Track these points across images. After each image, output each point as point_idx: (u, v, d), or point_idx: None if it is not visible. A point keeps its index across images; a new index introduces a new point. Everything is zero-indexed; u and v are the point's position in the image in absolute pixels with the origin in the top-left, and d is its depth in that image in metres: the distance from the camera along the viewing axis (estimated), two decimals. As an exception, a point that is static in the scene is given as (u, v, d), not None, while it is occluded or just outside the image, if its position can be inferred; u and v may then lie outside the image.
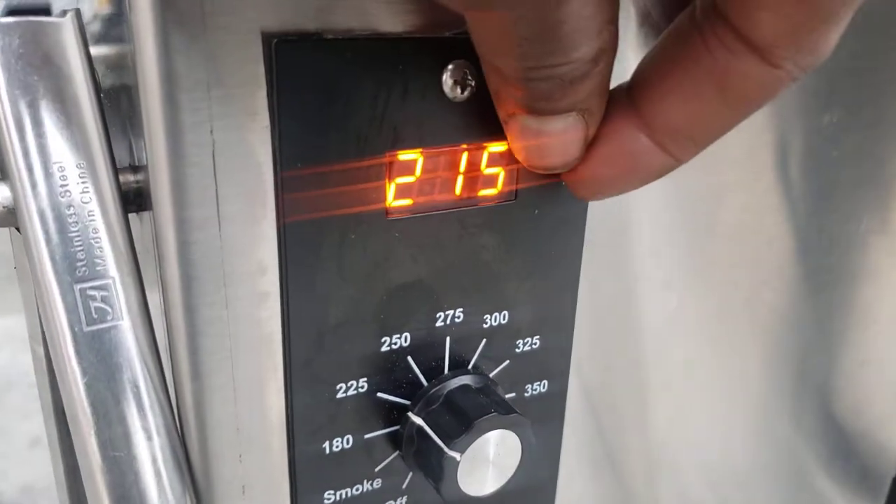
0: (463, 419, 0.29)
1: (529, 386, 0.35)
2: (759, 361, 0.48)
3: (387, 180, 0.27)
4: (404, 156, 0.27)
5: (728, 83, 0.23)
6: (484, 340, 0.32)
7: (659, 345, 0.42)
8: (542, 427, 0.36)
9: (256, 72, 0.24)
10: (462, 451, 0.29)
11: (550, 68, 0.22)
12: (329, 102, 0.25)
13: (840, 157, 0.43)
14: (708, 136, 0.26)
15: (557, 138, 0.25)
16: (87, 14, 0.30)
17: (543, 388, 0.35)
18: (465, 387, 0.31)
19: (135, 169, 0.28)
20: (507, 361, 0.33)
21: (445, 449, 0.29)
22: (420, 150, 0.27)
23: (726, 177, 0.39)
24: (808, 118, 0.41)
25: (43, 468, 0.37)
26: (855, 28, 0.40)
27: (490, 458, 0.30)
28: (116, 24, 0.27)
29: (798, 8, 0.21)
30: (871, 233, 0.47)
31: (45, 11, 0.25)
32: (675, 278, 0.40)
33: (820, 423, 0.55)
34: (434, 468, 0.29)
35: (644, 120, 0.26)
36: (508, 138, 0.27)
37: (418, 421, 0.30)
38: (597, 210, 0.36)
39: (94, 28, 0.31)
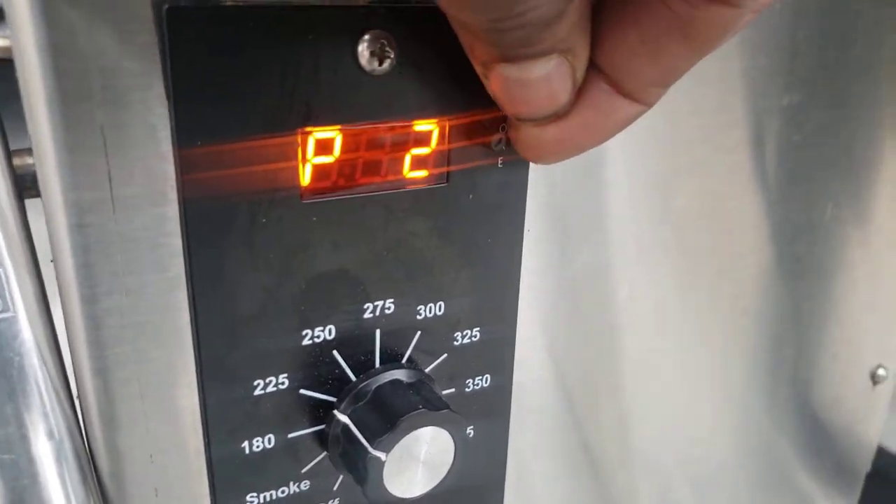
0: (389, 416, 0.27)
1: (470, 380, 0.33)
2: (731, 354, 0.46)
3: (300, 160, 0.25)
4: (320, 134, 0.25)
5: (692, 31, 0.22)
6: (419, 333, 0.31)
7: (631, 339, 0.41)
8: (485, 423, 0.34)
9: (149, 41, 0.22)
10: (387, 451, 0.27)
11: (521, 16, 0.21)
12: (230, 75, 0.23)
13: (802, 141, 0.41)
14: (676, 78, 0.25)
15: (543, 84, 0.23)
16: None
17: (486, 382, 0.33)
18: (395, 382, 0.29)
19: (31, 151, 0.26)
20: (445, 355, 0.32)
21: (370, 448, 0.27)
22: (338, 127, 0.26)
23: (683, 160, 0.38)
24: (768, 100, 0.39)
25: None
26: (816, 7, 0.38)
27: (420, 458, 0.28)
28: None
29: None
30: (837, 221, 0.45)
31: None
32: (642, 270, 0.39)
33: (793, 417, 0.53)
34: (359, 469, 0.27)
35: (612, 79, 0.25)
36: (491, 91, 0.25)
37: (344, 419, 0.28)
38: (572, 202, 0.34)
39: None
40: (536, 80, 0.23)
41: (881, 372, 0.54)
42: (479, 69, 0.24)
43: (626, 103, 0.25)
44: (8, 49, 0.27)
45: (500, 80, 0.24)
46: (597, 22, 0.24)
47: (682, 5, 0.22)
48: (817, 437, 0.56)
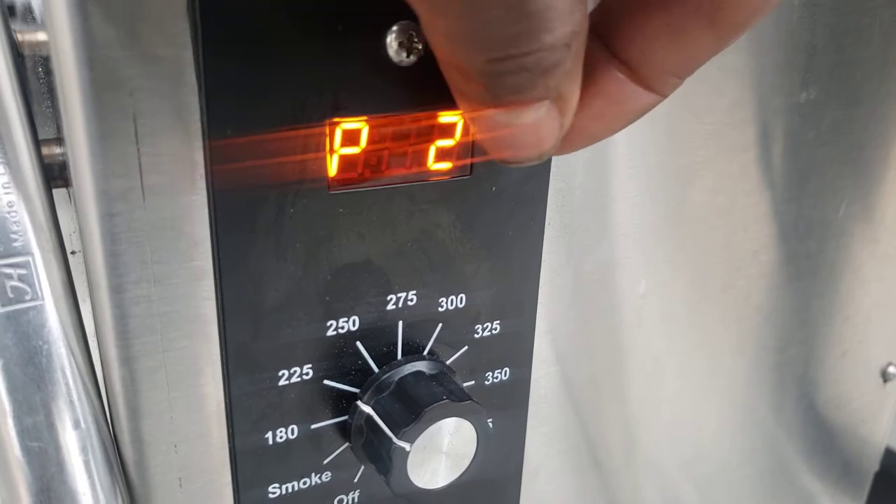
0: (413, 407, 0.27)
1: (490, 373, 0.33)
2: (738, 352, 0.46)
3: (328, 151, 0.25)
4: (347, 124, 0.25)
5: (719, 17, 0.22)
6: (440, 325, 0.31)
7: (639, 337, 0.41)
8: (504, 416, 0.34)
9: (181, 28, 0.22)
10: (412, 441, 0.27)
11: (519, 58, 0.20)
12: (261, 65, 0.23)
13: (817, 138, 0.41)
14: (695, 68, 0.24)
15: (531, 130, 0.23)
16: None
17: (505, 375, 0.33)
18: (418, 374, 0.29)
19: (60, 141, 0.26)
20: (466, 347, 0.32)
21: (394, 439, 0.27)
22: (364, 118, 0.26)
23: (697, 157, 0.38)
24: (785, 96, 0.39)
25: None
26: (832, 4, 0.38)
27: (443, 449, 0.28)
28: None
29: None
30: (850, 219, 0.46)
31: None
32: (654, 267, 0.39)
33: (801, 416, 0.53)
34: (383, 459, 0.28)
35: (629, 67, 0.24)
36: (475, 132, 0.25)
37: (367, 410, 0.28)
38: (577, 198, 0.34)
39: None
40: (525, 126, 0.23)
41: (891, 370, 0.54)
42: (465, 112, 0.24)
43: (641, 92, 0.25)
44: (36, 44, 0.27)
45: (487, 125, 0.23)
46: (618, 7, 0.24)
47: None
48: (825, 437, 0.56)
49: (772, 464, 0.54)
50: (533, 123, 0.23)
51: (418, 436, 0.27)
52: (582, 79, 0.23)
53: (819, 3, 0.37)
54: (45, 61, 0.29)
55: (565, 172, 0.34)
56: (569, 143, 0.26)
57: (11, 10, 0.29)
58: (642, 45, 0.24)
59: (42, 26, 0.28)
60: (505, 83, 0.21)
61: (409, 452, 0.27)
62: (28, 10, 0.30)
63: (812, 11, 0.37)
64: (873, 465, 0.60)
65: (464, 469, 0.29)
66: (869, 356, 0.53)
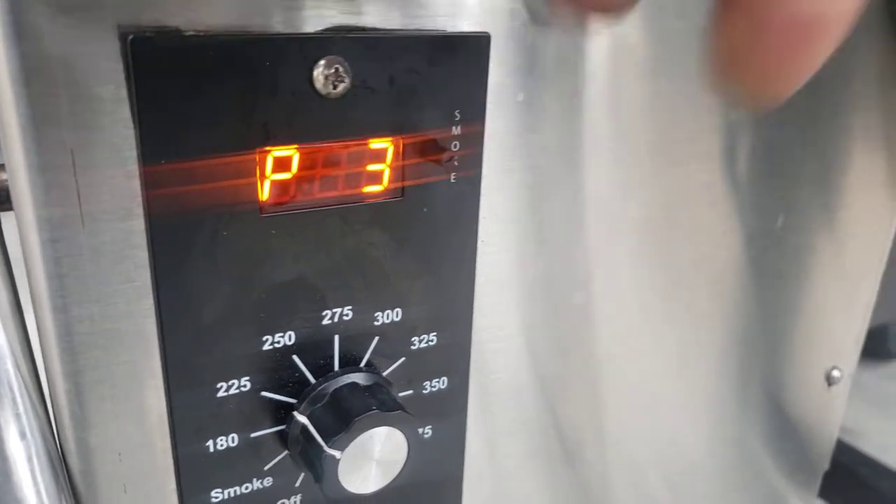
0: (344, 417, 0.29)
1: (428, 383, 0.35)
2: (699, 354, 0.48)
3: (258, 177, 0.27)
4: (278, 152, 0.27)
5: None
6: (377, 338, 0.32)
7: (606, 341, 0.42)
8: (443, 423, 0.36)
9: (115, 68, 0.24)
10: (342, 449, 0.29)
11: None
12: (192, 99, 0.25)
13: (753, 153, 0.43)
14: None
15: None
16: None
17: (443, 384, 0.35)
18: (352, 385, 0.31)
19: (3, 166, 0.28)
20: (403, 359, 0.33)
21: (325, 447, 0.29)
22: (295, 146, 0.27)
23: (635, 174, 0.39)
24: (721, 115, 0.41)
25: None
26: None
27: (374, 457, 0.30)
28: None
29: None
30: (788, 230, 0.47)
31: None
32: (615, 274, 0.41)
33: (760, 415, 0.55)
34: (315, 467, 0.29)
35: None
36: None
37: (302, 420, 0.30)
38: (549, 205, 0.36)
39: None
40: None
41: (835, 373, 0.56)
42: None
43: None
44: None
45: None
46: None
47: None
48: (780, 435, 0.58)
49: (741, 461, 0.56)
50: None
51: (348, 444, 0.29)
52: None
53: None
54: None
55: (530, 179, 0.35)
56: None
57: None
58: None
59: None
60: None
61: (339, 460, 0.29)
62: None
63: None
64: (825, 461, 0.62)
65: (395, 475, 0.31)
66: (811, 360, 0.55)
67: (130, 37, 0.23)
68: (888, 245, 0.54)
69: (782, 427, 0.58)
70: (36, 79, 0.23)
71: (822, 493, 0.64)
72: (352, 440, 0.29)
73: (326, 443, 0.29)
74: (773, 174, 0.45)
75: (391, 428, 0.30)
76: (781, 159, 0.45)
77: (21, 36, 0.22)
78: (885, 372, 1.76)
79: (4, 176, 0.28)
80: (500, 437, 0.41)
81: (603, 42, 0.35)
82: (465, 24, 0.30)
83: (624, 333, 0.44)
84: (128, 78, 0.24)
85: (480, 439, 0.39)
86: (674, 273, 0.44)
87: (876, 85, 0.47)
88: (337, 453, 0.29)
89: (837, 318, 0.55)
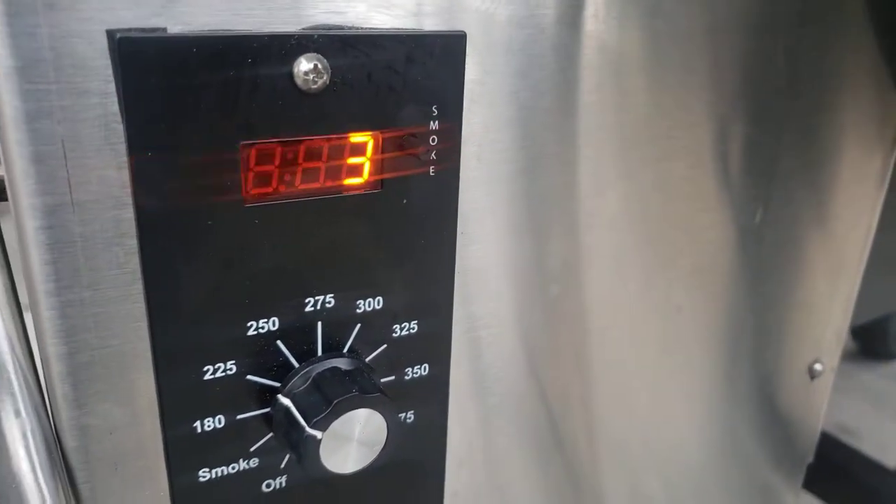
0: (325, 399, 0.30)
1: (409, 369, 0.36)
2: (690, 346, 0.49)
3: (242, 170, 0.28)
4: (260, 146, 0.28)
5: None
6: (359, 325, 0.34)
7: (597, 331, 0.44)
8: (424, 408, 0.37)
9: (104, 65, 0.25)
10: (323, 430, 0.30)
11: None
12: (178, 95, 0.26)
13: (730, 152, 0.44)
14: None
15: None
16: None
17: (424, 371, 0.36)
18: (334, 369, 0.32)
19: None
20: (385, 345, 0.35)
21: (307, 428, 0.30)
22: (277, 140, 0.29)
23: (617, 168, 0.41)
24: (703, 114, 0.42)
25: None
26: (737, 24, 0.41)
27: (354, 437, 0.31)
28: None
29: None
30: (766, 225, 0.49)
31: None
32: (605, 269, 0.42)
33: (746, 408, 0.57)
34: (298, 447, 0.31)
35: None
36: None
37: (286, 402, 0.31)
38: (542, 196, 0.37)
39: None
40: None
41: (818, 367, 0.57)
42: None
43: None
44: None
45: None
46: None
47: None
48: (766, 427, 0.59)
49: (724, 451, 0.57)
50: None
51: (329, 425, 0.30)
52: None
53: (719, 27, 0.40)
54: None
55: (525, 175, 0.37)
56: None
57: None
58: None
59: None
60: None
61: (320, 440, 0.30)
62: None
63: (715, 38, 0.40)
64: (809, 452, 0.64)
65: (375, 456, 0.32)
66: (794, 355, 0.56)
67: (118, 35, 0.25)
68: (868, 243, 0.55)
69: (767, 419, 0.59)
70: (29, 75, 0.24)
71: (807, 486, 0.65)
72: (332, 421, 0.30)
73: (308, 424, 0.30)
74: (754, 171, 0.46)
75: (371, 410, 0.31)
76: (762, 156, 0.46)
77: (14, 34, 0.24)
78: (884, 372, 1.77)
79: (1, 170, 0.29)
80: (487, 423, 0.42)
81: (584, 40, 0.36)
82: (441, 24, 0.31)
83: (610, 326, 0.45)
84: (116, 74, 0.25)
85: (468, 424, 0.41)
86: (657, 265, 0.45)
87: (856, 84, 0.48)
88: (318, 433, 0.30)
89: (819, 313, 0.56)
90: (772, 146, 0.46)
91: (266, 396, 0.32)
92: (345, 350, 0.34)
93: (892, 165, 0.54)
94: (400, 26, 0.30)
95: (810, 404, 0.60)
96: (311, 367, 0.32)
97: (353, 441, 0.31)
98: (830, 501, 0.74)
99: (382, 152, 0.31)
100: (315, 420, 0.30)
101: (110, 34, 0.25)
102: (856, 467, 0.75)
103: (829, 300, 0.56)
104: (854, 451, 0.78)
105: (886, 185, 0.55)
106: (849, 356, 1.78)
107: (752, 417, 0.58)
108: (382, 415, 0.31)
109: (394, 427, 0.32)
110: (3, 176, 0.28)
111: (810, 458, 0.64)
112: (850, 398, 1.63)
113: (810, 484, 0.64)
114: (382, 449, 0.32)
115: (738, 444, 0.58)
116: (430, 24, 0.31)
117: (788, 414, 0.60)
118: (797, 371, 0.57)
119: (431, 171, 0.32)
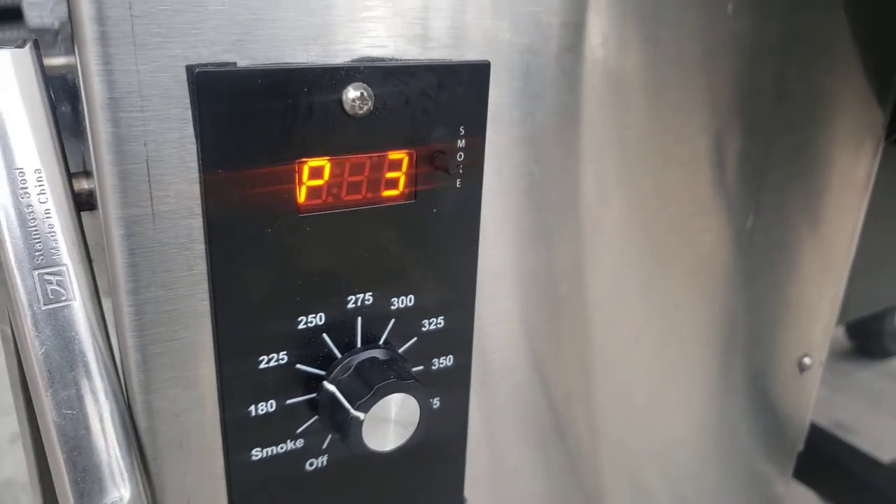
0: (367, 385, 0.35)
1: (436, 360, 0.40)
2: (686, 341, 0.53)
3: (297, 183, 0.32)
4: (313, 163, 0.33)
5: None
6: (393, 320, 0.38)
7: (598, 326, 0.48)
8: (448, 395, 0.41)
9: (183, 94, 0.29)
10: (365, 412, 0.34)
11: None
12: (243, 118, 0.30)
13: (722, 162, 0.49)
14: None
15: None
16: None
17: (449, 361, 0.41)
18: (372, 359, 0.36)
19: (87, 174, 0.33)
20: (415, 338, 0.39)
21: (351, 410, 0.34)
22: (327, 158, 0.33)
23: (621, 176, 0.45)
24: (691, 124, 0.46)
25: (24, 463, 0.42)
26: (728, 49, 0.45)
27: (392, 418, 0.35)
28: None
29: None
30: (757, 230, 0.53)
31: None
32: (605, 269, 0.46)
33: (739, 401, 0.61)
34: (343, 427, 0.35)
35: None
36: None
37: (331, 388, 0.35)
38: (548, 201, 0.41)
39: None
40: None
41: (807, 360, 0.61)
42: None
43: None
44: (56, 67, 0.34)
45: None
46: None
47: None
48: (757, 418, 0.64)
49: (717, 441, 0.61)
50: None
51: (371, 407, 0.34)
52: None
53: (712, 52, 0.45)
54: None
55: (528, 179, 0.41)
56: None
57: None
58: None
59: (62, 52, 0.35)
60: None
61: (363, 421, 0.34)
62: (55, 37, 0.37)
63: (708, 61, 0.45)
64: (799, 444, 0.68)
65: (409, 435, 0.36)
66: (785, 349, 0.60)
67: (196, 70, 0.29)
68: (854, 244, 0.60)
69: (759, 410, 0.63)
70: (122, 105, 0.28)
71: (798, 475, 0.69)
72: (373, 404, 0.34)
73: (353, 406, 0.34)
74: (746, 180, 0.50)
75: (406, 395, 0.35)
76: (753, 166, 0.50)
77: (111, 71, 0.28)
78: (880, 370, 1.81)
79: (85, 184, 0.33)
80: (496, 411, 0.46)
81: (590, 66, 0.40)
82: (470, 54, 0.35)
83: (613, 323, 0.49)
84: (193, 102, 0.29)
85: (479, 412, 0.45)
86: (656, 267, 0.49)
87: (841, 99, 0.52)
88: (361, 415, 0.34)
89: (808, 310, 0.60)
90: (762, 157, 0.50)
91: (312, 384, 0.36)
92: (381, 342, 0.38)
93: (876, 172, 0.58)
94: (434, 57, 0.34)
95: (800, 396, 0.64)
96: (352, 357, 0.36)
97: (390, 422, 0.35)
98: (820, 491, 0.78)
99: (416, 167, 0.35)
100: (358, 403, 0.34)
101: (189, 69, 0.29)
102: (845, 458, 0.79)
103: (818, 298, 0.60)
104: (843, 442, 0.82)
105: (870, 191, 0.59)
106: (845, 354, 1.82)
107: (744, 409, 0.62)
108: (416, 398, 0.36)
109: (425, 409, 0.36)
110: (93, 188, 0.32)
111: (800, 448, 0.68)
112: (847, 396, 1.67)
113: (800, 474, 0.68)
114: (415, 429, 0.36)
115: (731, 433, 0.62)
116: (459, 55, 0.35)
117: (779, 405, 0.64)
118: (787, 365, 0.62)
119: (458, 183, 0.37)
